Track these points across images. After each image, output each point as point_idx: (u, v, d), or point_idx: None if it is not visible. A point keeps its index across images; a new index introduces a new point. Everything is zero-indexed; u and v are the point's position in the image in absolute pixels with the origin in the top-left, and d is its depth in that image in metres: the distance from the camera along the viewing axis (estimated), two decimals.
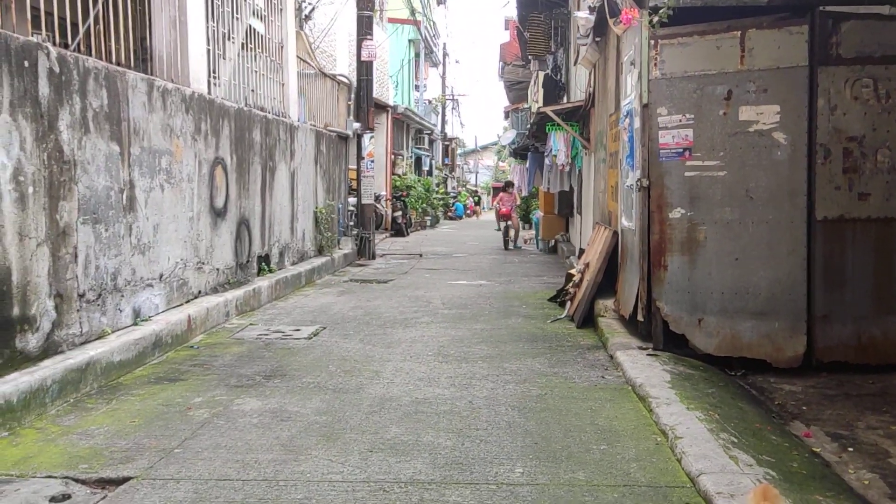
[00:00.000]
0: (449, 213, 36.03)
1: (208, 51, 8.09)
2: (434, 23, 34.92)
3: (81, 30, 5.82)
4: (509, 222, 18.34)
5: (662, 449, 4.09)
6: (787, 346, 5.75)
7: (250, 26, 9.61)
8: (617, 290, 7.40)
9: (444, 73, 40.92)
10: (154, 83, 6.60)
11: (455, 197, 39.21)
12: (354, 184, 14.99)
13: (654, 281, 6.03)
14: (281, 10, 10.78)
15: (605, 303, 7.59)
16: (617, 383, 5.44)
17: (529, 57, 18.58)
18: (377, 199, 18.63)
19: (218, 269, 8.05)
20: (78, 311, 5.38)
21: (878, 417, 4.71)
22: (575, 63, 12.72)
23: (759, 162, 5.75)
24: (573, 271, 8.73)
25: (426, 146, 33.98)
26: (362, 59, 14.32)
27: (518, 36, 21.12)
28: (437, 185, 33.47)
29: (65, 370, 4.83)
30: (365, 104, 14.58)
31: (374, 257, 14.65)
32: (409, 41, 29.90)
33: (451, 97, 43.89)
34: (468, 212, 39.79)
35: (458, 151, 49.76)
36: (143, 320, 6.26)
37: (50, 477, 3.65)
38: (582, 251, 9.86)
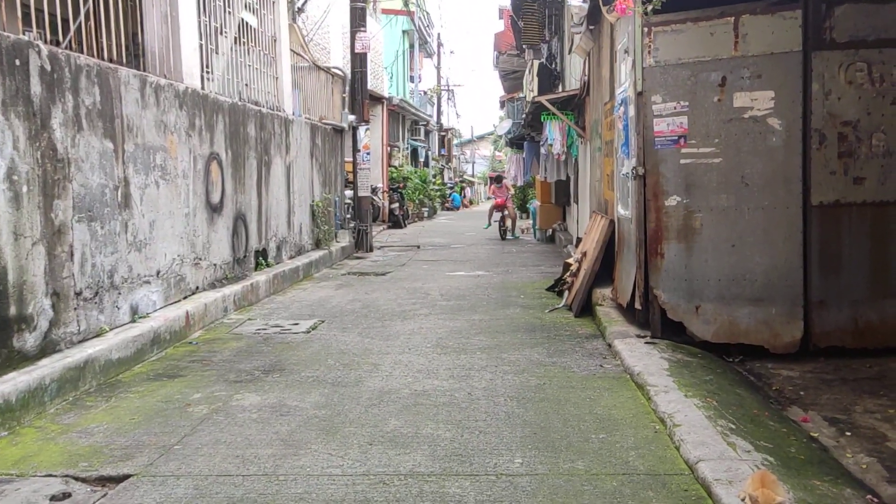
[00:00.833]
0: (446, 204, 36.03)
1: (201, 45, 8.05)
2: (428, 13, 34.81)
3: (72, 27, 5.80)
4: (505, 212, 18.31)
5: (661, 437, 4.10)
6: (785, 332, 5.76)
7: (243, 20, 9.57)
8: (614, 278, 7.40)
9: (438, 63, 40.80)
10: (147, 79, 6.58)
11: (452, 188, 39.19)
12: (351, 176, 14.96)
13: (651, 269, 6.03)
14: (273, 3, 10.73)
15: (602, 291, 7.60)
16: (615, 372, 5.46)
17: (524, 46, 18.56)
18: (374, 191, 18.63)
19: (215, 265, 8.04)
20: (75, 309, 5.38)
21: (875, 401, 4.73)
22: (569, 52, 12.69)
23: (754, 148, 5.75)
24: (570, 260, 8.73)
25: (422, 137, 33.92)
26: (356, 50, 14.27)
27: (512, 25, 21.06)
28: (434, 176, 33.46)
29: (63, 369, 4.83)
30: (360, 96, 14.54)
31: (371, 250, 14.65)
32: (403, 32, 29.79)
33: (446, 87, 43.78)
34: (465, 202, 39.79)
35: (455, 142, 49.67)
36: (140, 317, 6.26)
37: (50, 476, 3.66)
38: (579, 240, 9.87)
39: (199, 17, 8.01)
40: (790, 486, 3.24)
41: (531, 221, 19.30)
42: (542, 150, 15.13)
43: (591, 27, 9.00)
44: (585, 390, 5.01)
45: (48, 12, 5.49)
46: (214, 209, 8.05)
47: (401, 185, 23.73)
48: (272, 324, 7.34)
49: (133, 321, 6.14)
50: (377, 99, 22.03)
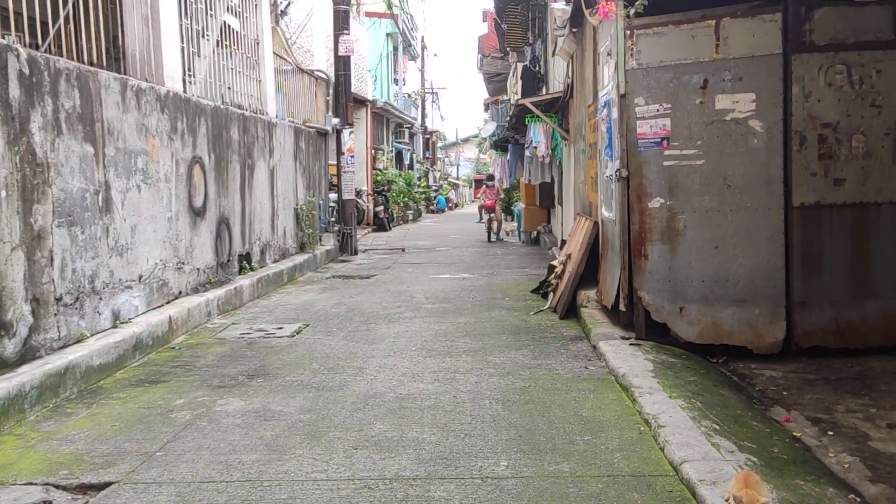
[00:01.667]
0: (431, 207, 36.00)
1: (182, 49, 8.00)
2: (411, 16, 34.79)
3: (52, 30, 5.74)
4: (492, 214, 18.34)
5: (646, 438, 4.11)
6: (767, 333, 5.80)
7: (225, 23, 9.52)
8: (599, 280, 7.42)
9: (422, 66, 40.81)
10: (128, 83, 6.52)
11: (437, 190, 39.18)
12: (335, 179, 14.92)
13: (636, 270, 6.06)
14: (256, 5, 10.68)
15: (587, 293, 7.62)
16: (600, 373, 5.47)
17: (508, 49, 18.59)
18: (358, 194, 18.58)
19: (198, 269, 7.99)
20: (55, 315, 5.31)
21: (857, 401, 4.76)
22: (553, 54, 12.73)
23: (736, 150, 5.79)
24: (555, 262, 8.75)
25: (406, 140, 33.91)
26: (340, 53, 14.24)
27: (496, 28, 21.08)
28: (419, 178, 33.43)
29: (43, 375, 4.77)
30: (343, 99, 14.51)
31: (356, 253, 14.60)
32: (387, 35, 29.76)
33: (430, 90, 43.81)
34: (450, 205, 39.80)
35: (439, 144, 49.68)
36: (122, 322, 6.20)
37: (30, 484, 3.61)
38: (564, 242, 9.89)
39: (181, 19, 7.96)
40: (774, 486, 3.26)
41: (516, 224, 19.32)
42: (527, 153, 15.15)
43: (574, 30, 9.03)
44: (570, 392, 5.01)
45: (27, 16, 5.43)
46: (197, 213, 8.00)
47: (385, 187, 23.70)
48: (256, 328, 7.29)
49: (115, 327, 6.08)
50: (361, 102, 21.98)
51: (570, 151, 11.24)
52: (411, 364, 5.82)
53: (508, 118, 17.78)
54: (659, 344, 5.91)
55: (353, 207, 14.96)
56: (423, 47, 40.43)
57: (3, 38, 4.97)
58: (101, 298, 5.95)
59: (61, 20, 5.87)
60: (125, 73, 6.89)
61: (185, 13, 8.13)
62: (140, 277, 6.63)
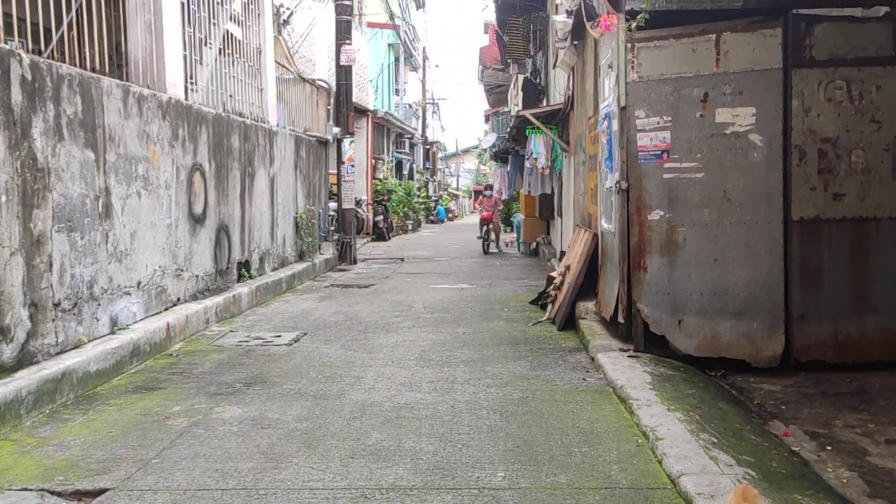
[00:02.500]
0: (431, 217, 36.03)
1: (185, 56, 8.03)
2: (413, 27, 34.95)
3: (55, 36, 5.76)
4: (489, 225, 18.18)
5: (643, 450, 4.10)
6: (766, 346, 5.79)
7: (228, 31, 9.56)
8: (598, 292, 7.42)
9: (423, 76, 40.93)
10: (130, 89, 6.54)
11: (437, 201, 39.22)
12: (335, 188, 14.93)
13: (634, 282, 6.06)
14: (259, 14, 10.73)
15: (586, 305, 7.61)
16: (598, 385, 5.46)
17: (509, 60, 18.65)
18: (358, 203, 18.60)
19: (197, 276, 7.98)
20: (53, 320, 5.30)
21: (855, 416, 4.76)
22: (554, 66, 12.77)
23: (735, 163, 5.80)
24: (554, 274, 8.75)
25: (407, 150, 33.97)
26: (341, 63, 14.28)
27: (497, 40, 21.17)
28: (419, 188, 33.46)
29: (40, 381, 4.76)
30: (345, 109, 14.54)
31: (355, 262, 14.60)
32: (389, 45, 29.87)
33: (431, 101, 43.91)
34: (450, 216, 39.84)
35: (439, 155, 49.77)
36: (120, 329, 6.19)
37: (25, 490, 3.60)
38: (563, 254, 9.89)
39: (184, 27, 7.99)
40: (772, 501, 3.25)
41: (515, 235, 19.31)
42: (527, 164, 15.18)
43: (576, 42, 9.06)
44: (568, 403, 5.00)
45: (31, 22, 5.45)
46: (197, 220, 8.00)
47: (385, 197, 23.71)
48: (254, 336, 7.28)
49: (112, 333, 6.07)
50: (362, 111, 22.04)
51: (570, 163, 11.27)
52: (409, 374, 5.81)
53: (509, 129, 17.82)
54: (657, 356, 5.90)
55: (353, 217, 14.97)
56: (425, 58, 40.57)
57: (7, 43, 4.99)
58: (99, 304, 5.94)
59: (64, 26, 5.89)
60: (127, 80, 6.91)
61: (188, 21, 8.16)
62: (139, 284, 6.62)
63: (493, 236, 18.22)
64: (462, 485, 3.65)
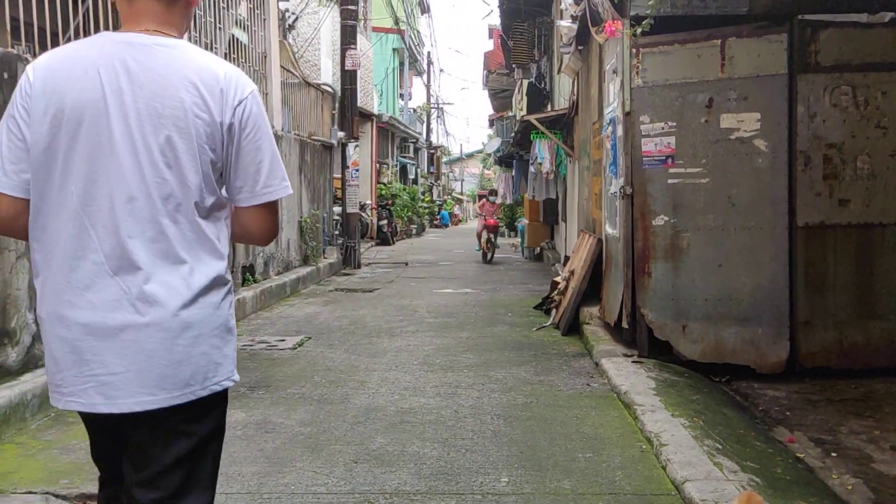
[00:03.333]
0: (435, 222, 36.07)
1: None
2: (418, 32, 35.02)
3: (62, 40, 5.78)
4: (492, 234, 16.50)
5: (647, 456, 4.09)
6: (771, 352, 5.78)
7: (233, 36, 9.59)
8: (602, 297, 7.42)
9: (428, 81, 41.01)
10: None
11: (441, 205, 39.25)
12: (339, 193, 14.96)
13: (639, 288, 6.05)
14: (264, 20, 10.77)
15: (590, 310, 7.61)
16: (602, 391, 5.45)
17: (513, 65, 18.67)
18: (362, 207, 18.60)
19: None
20: None
21: (860, 422, 4.74)
22: (558, 71, 12.79)
23: (740, 169, 5.79)
24: (558, 279, 8.75)
25: (411, 154, 34.01)
26: (346, 68, 14.32)
27: (502, 45, 21.21)
28: (423, 193, 33.51)
29: (46, 384, 4.76)
30: (349, 113, 14.56)
31: (359, 266, 14.62)
32: (394, 50, 29.95)
33: (436, 105, 43.98)
34: (454, 220, 39.86)
35: (444, 160, 49.82)
36: None
37: (30, 493, 3.60)
38: (567, 258, 9.89)
39: (190, 32, 8.02)
40: None
41: (519, 239, 19.26)
42: (531, 169, 15.18)
43: (580, 48, 9.08)
44: (572, 409, 5.00)
45: (38, 26, 5.48)
46: None
47: (389, 202, 23.74)
48: (258, 340, 7.29)
49: None
50: (367, 116, 22.09)
51: (575, 168, 11.27)
52: (413, 378, 5.81)
53: (513, 134, 17.84)
54: (661, 362, 5.89)
55: (357, 221, 15.00)
56: (429, 63, 40.66)
57: (14, 48, 5.01)
58: None
59: (71, 31, 5.92)
60: None
61: (194, 26, 8.20)
62: None
63: (493, 238, 16.49)
64: (466, 490, 3.65)
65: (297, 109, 12.91)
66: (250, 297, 8.85)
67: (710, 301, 5.86)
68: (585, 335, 7.12)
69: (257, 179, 1.89)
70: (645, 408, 4.70)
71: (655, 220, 5.97)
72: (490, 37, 29.10)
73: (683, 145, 5.88)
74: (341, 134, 14.50)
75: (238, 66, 9.67)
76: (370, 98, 23.00)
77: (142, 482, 1.85)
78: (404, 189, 27.55)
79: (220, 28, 8.94)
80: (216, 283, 1.90)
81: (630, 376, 5.45)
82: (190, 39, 7.94)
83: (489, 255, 16.46)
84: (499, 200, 20.27)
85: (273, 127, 10.77)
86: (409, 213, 26.68)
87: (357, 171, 15.11)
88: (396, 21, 24.67)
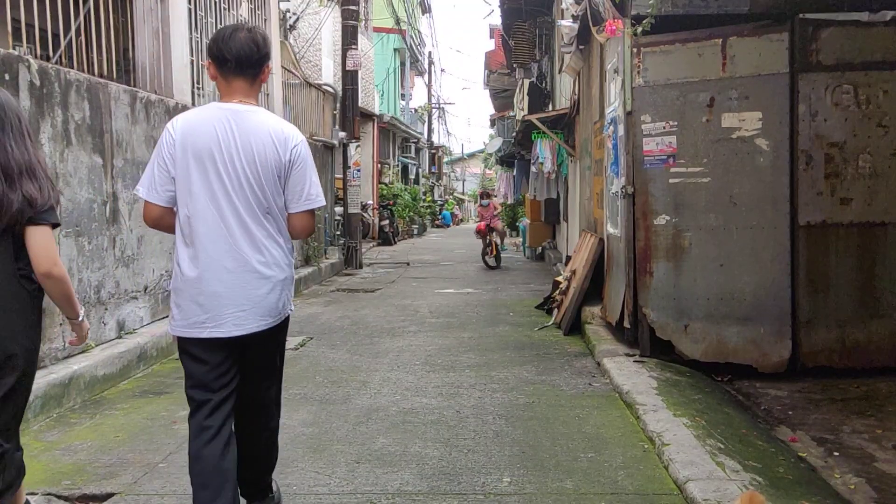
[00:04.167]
0: (436, 222, 36.06)
1: (192, 62, 8.06)
2: (419, 32, 35.01)
3: (63, 42, 5.79)
4: (489, 238, 15.15)
5: (650, 456, 4.09)
6: (773, 352, 5.77)
7: None
8: (603, 296, 7.41)
9: (429, 81, 40.99)
10: (137, 95, 6.57)
11: (442, 205, 39.24)
12: (341, 193, 14.96)
13: (640, 287, 6.05)
14: (265, 20, 10.77)
15: (591, 310, 7.60)
16: (604, 390, 5.45)
17: (514, 65, 18.66)
18: (364, 208, 18.60)
19: None
20: (60, 325, 5.32)
21: (863, 421, 4.73)
22: (559, 71, 12.79)
23: (742, 168, 5.79)
24: (560, 278, 8.74)
25: (413, 154, 34.00)
26: (347, 68, 14.32)
27: (503, 44, 21.21)
28: (424, 193, 33.50)
29: (47, 385, 4.78)
30: (350, 113, 14.57)
31: (361, 266, 14.62)
32: (395, 50, 29.94)
33: (437, 105, 43.96)
34: (455, 220, 39.86)
35: (445, 159, 49.80)
36: (127, 333, 6.21)
37: (32, 494, 3.60)
38: (569, 258, 9.88)
39: (191, 33, 8.02)
40: None
41: (521, 239, 19.23)
42: (533, 169, 15.17)
43: (581, 47, 9.07)
44: (574, 409, 4.99)
45: (39, 28, 5.49)
46: None
47: (391, 202, 23.74)
48: None
49: (119, 337, 6.09)
50: (368, 116, 22.08)
51: (576, 168, 11.27)
52: (415, 378, 5.81)
53: (514, 134, 17.83)
54: (663, 361, 5.89)
55: (359, 221, 15.00)
56: (430, 63, 40.63)
57: (15, 49, 5.02)
58: (106, 309, 5.96)
59: (72, 32, 5.92)
60: (135, 86, 6.94)
61: (196, 27, 8.20)
62: (146, 288, 6.64)
63: (495, 250, 15.07)
64: (468, 490, 3.65)
65: (299, 109, 12.91)
66: None
67: (711, 300, 5.86)
68: (587, 335, 7.12)
69: (301, 195, 2.91)
70: (647, 407, 4.69)
71: (657, 220, 5.96)
72: (491, 36, 29.07)
73: (685, 145, 5.87)
74: (342, 134, 14.50)
75: None
76: (371, 98, 23.00)
77: (266, 375, 3.11)
78: (406, 189, 27.54)
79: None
80: (289, 253, 2.97)
81: (632, 376, 5.45)
82: (191, 40, 7.96)
83: (491, 262, 14.98)
84: (499, 200, 20.06)
85: None
86: (411, 213, 26.67)
87: (358, 171, 15.10)
88: (397, 21, 24.69)
